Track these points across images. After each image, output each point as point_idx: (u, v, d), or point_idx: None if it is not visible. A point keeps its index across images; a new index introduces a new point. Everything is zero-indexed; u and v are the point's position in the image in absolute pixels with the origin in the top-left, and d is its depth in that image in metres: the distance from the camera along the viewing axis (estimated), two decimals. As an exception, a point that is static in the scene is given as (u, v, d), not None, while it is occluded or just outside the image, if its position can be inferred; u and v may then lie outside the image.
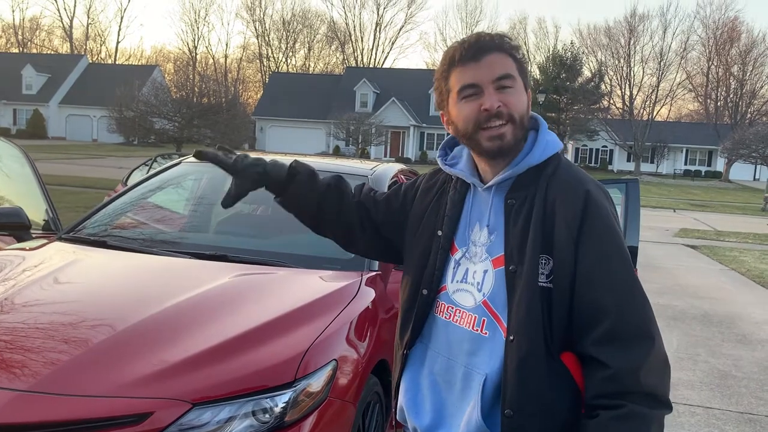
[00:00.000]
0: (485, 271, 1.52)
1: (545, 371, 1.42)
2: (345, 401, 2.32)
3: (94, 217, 3.53)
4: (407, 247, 1.71)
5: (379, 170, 3.82)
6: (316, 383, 2.20)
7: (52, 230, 3.67)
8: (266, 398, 2.08)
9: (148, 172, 5.76)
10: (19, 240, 3.44)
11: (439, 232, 1.62)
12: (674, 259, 12.23)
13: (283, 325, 2.39)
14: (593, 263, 1.42)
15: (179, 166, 3.96)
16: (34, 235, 3.51)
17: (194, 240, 3.48)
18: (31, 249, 3.17)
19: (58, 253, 3.05)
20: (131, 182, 6.40)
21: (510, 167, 1.52)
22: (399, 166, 4.29)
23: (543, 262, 1.44)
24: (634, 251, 3.55)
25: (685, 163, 57.58)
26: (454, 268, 1.58)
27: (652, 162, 56.77)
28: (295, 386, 2.13)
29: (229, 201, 1.68)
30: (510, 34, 1.60)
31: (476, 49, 1.50)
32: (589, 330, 1.40)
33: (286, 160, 1.83)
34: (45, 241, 3.30)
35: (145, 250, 3.12)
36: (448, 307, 1.57)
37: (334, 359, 2.32)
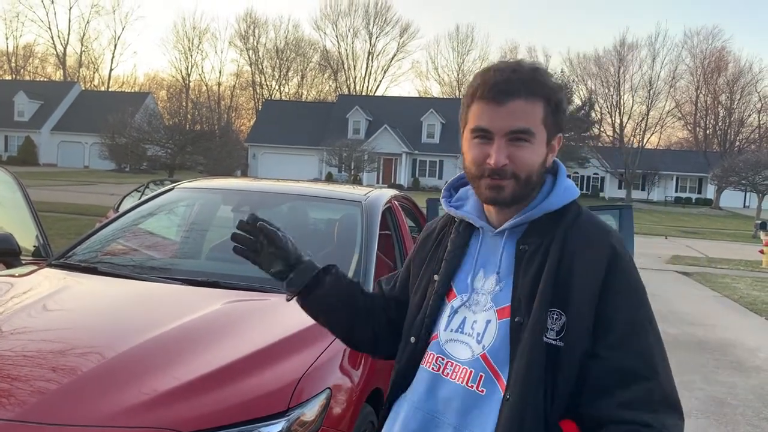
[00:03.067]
0: (488, 321, 1.37)
1: None
2: (339, 431, 2.27)
3: (85, 243, 3.49)
4: (410, 301, 1.57)
5: (373, 196, 3.81)
6: (309, 412, 2.15)
7: (43, 256, 3.63)
8: (258, 428, 2.03)
9: (140, 199, 5.74)
10: (9, 266, 3.40)
11: (436, 277, 1.49)
12: (667, 286, 12.22)
13: (275, 352, 2.35)
14: (625, 325, 1.30)
15: (171, 192, 3.94)
16: (24, 262, 3.47)
17: (186, 266, 3.45)
18: (20, 275, 3.13)
19: (48, 279, 3.01)
20: (123, 209, 6.36)
21: (525, 211, 1.40)
22: (392, 192, 4.28)
23: (554, 316, 1.31)
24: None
25: (676, 191, 57.94)
26: (449, 315, 1.43)
27: (642, 189, 57.08)
28: (288, 415, 2.09)
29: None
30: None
31: (502, 90, 1.33)
32: (613, 393, 1.28)
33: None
34: (35, 267, 3.26)
35: (137, 277, 3.08)
36: (437, 358, 1.42)
37: (328, 387, 2.27)
